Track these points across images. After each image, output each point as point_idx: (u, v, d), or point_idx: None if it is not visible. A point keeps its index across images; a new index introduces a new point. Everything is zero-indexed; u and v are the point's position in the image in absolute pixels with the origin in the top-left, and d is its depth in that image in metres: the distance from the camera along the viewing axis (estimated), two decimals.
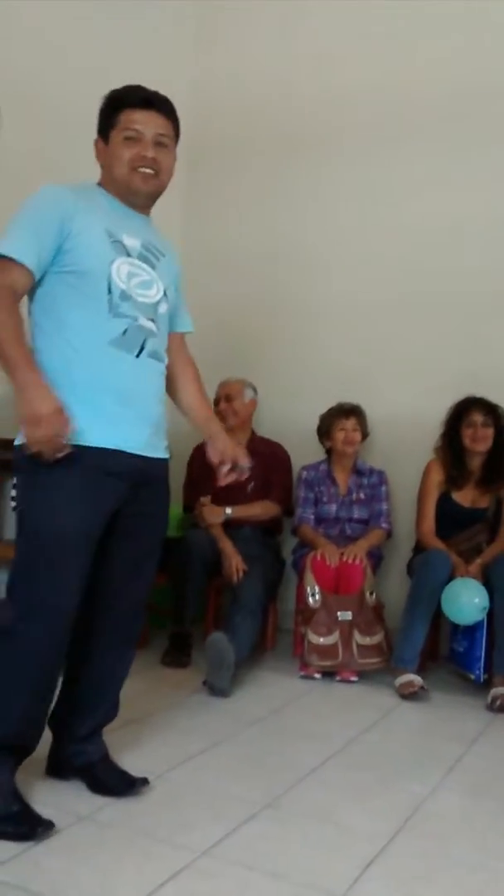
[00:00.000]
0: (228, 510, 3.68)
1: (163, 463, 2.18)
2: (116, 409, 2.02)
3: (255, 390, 3.95)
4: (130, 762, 2.30)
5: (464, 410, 3.59)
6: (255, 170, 4.38)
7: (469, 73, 3.90)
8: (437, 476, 3.63)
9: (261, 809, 2.15)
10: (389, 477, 3.86)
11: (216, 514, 3.67)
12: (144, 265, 2.11)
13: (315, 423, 3.89)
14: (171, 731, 2.67)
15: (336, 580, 3.47)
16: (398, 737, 2.81)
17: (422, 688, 3.15)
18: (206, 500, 3.71)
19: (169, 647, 3.51)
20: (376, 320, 4.09)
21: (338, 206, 4.20)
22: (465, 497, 3.60)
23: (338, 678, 3.34)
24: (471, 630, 3.32)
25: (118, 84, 2.12)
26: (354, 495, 3.80)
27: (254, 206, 4.39)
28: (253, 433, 3.97)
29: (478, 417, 3.54)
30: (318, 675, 3.35)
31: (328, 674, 3.36)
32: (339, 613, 3.36)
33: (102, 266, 2.02)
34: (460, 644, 3.41)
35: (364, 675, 3.35)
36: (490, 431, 3.55)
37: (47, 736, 2.17)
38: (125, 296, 2.04)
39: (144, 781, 2.20)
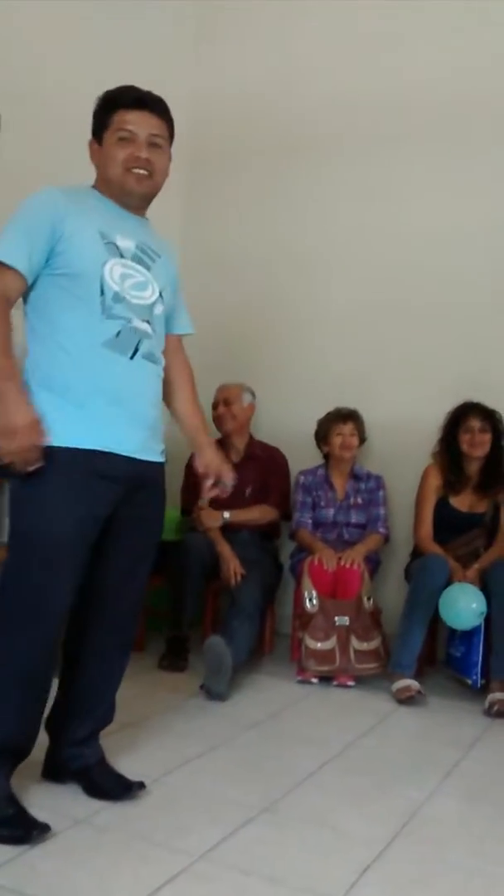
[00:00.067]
0: (226, 514, 3.67)
1: (158, 466, 2.17)
2: (110, 411, 2.01)
3: (253, 394, 3.94)
4: (127, 766, 2.30)
5: (461, 416, 3.59)
6: (255, 171, 4.38)
7: (469, 75, 3.91)
8: (434, 481, 3.63)
9: (258, 814, 2.15)
10: (387, 482, 3.86)
11: (214, 518, 3.66)
12: (139, 266, 2.10)
13: (313, 427, 3.89)
14: (167, 734, 2.67)
15: (333, 585, 3.46)
16: (395, 742, 2.80)
17: (419, 693, 3.15)
18: (203, 503, 3.71)
19: (166, 650, 3.50)
20: (375, 324, 4.09)
21: (337, 207, 4.20)
22: (462, 502, 3.60)
23: (335, 683, 3.33)
24: (468, 635, 3.31)
25: (118, 84, 2.12)
26: (352, 500, 3.80)
27: (253, 208, 4.38)
28: (251, 437, 3.96)
29: (475, 423, 3.54)
30: (315, 680, 3.34)
31: (325, 678, 3.35)
32: (336, 618, 3.35)
33: (95, 268, 2.01)
34: (457, 649, 3.41)
35: (361, 680, 3.34)
36: (487, 437, 3.55)
37: (43, 739, 2.16)
38: (118, 297, 2.03)
39: (141, 785, 2.19)
